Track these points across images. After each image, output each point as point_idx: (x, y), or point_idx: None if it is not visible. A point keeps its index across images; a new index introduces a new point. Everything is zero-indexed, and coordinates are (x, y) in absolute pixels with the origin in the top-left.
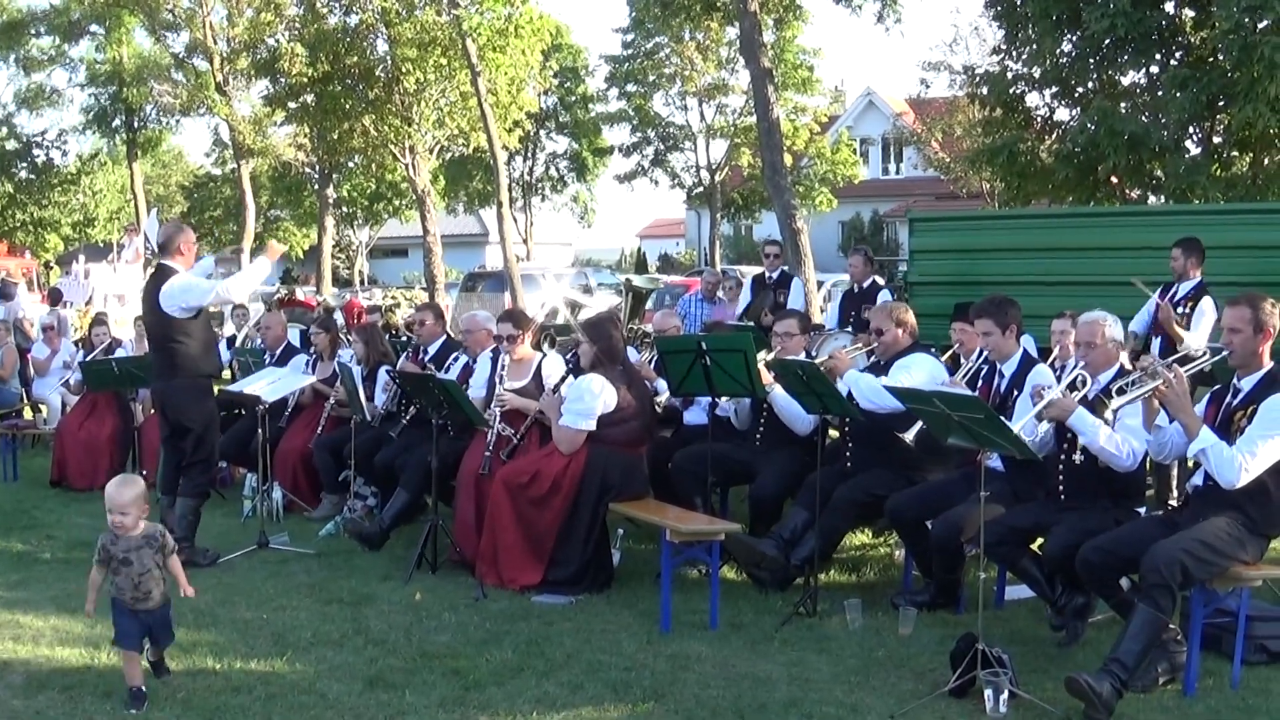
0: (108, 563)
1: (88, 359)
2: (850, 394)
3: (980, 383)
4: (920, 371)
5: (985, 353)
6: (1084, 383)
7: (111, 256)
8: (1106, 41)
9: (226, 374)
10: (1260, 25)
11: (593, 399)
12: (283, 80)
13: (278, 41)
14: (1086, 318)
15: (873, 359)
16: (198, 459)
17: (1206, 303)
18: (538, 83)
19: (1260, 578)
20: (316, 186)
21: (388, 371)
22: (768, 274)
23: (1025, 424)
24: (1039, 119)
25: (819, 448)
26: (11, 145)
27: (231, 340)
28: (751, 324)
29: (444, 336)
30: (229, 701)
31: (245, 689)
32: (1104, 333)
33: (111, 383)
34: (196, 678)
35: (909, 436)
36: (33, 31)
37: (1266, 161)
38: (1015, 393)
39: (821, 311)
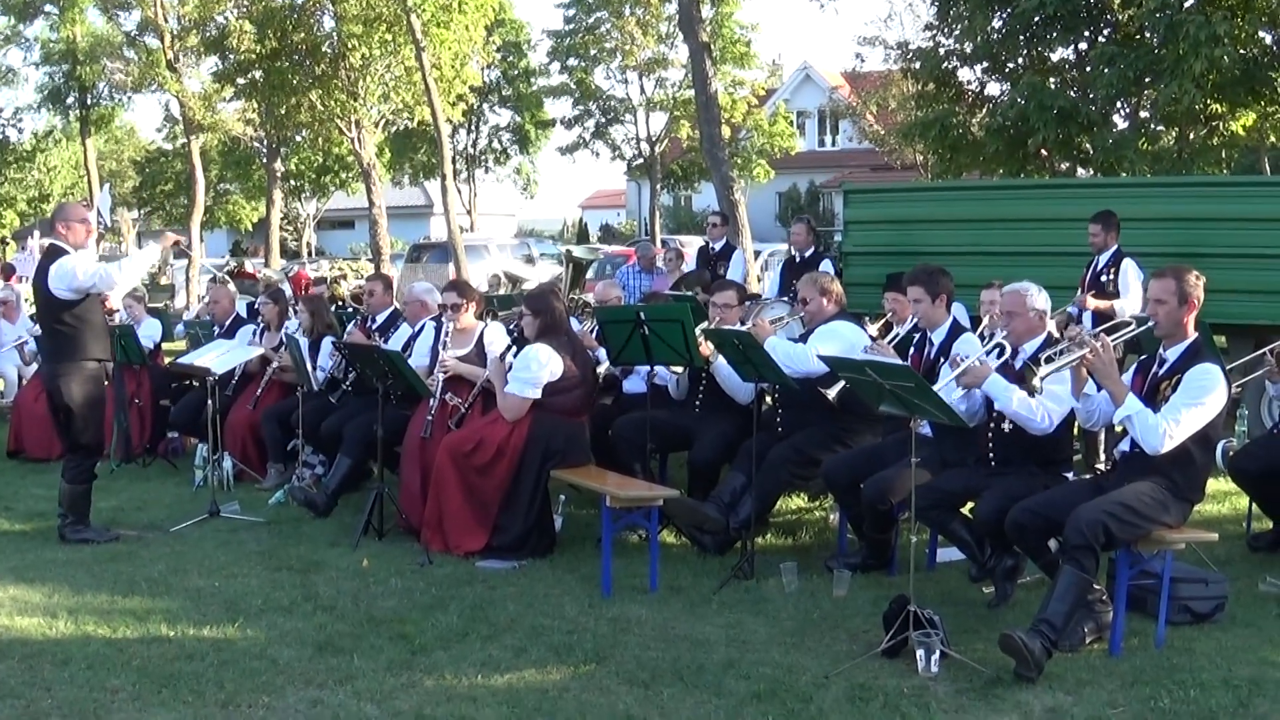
0: None
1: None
2: None
3: (912, 350)
4: (838, 339)
5: (917, 320)
6: (1002, 351)
7: None
8: (1036, 18)
9: (182, 345)
10: (1186, 4)
11: (539, 368)
12: (231, 57)
13: (226, 19)
14: (1011, 288)
15: (806, 328)
16: (81, 443)
17: (1128, 266)
18: (481, 57)
19: (1183, 541)
20: (265, 160)
21: (333, 342)
22: (711, 244)
23: (945, 389)
24: (970, 93)
25: (755, 414)
26: None
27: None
28: (690, 294)
29: (392, 306)
30: (183, 668)
31: (198, 656)
32: (1027, 302)
33: None
34: (151, 645)
35: (831, 394)
36: None
37: (1192, 136)
38: (943, 360)
39: (759, 281)
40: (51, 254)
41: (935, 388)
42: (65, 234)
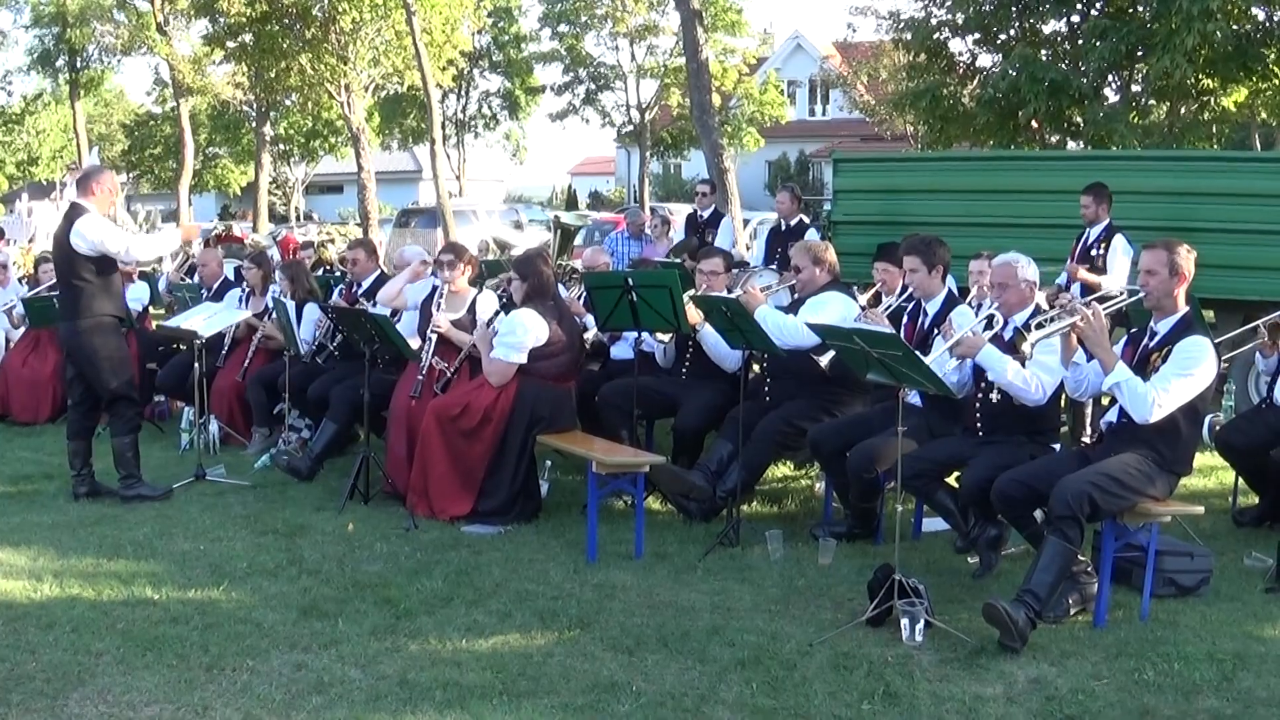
0: None
1: (31, 294)
2: None
3: (905, 319)
4: (831, 310)
5: (909, 290)
6: (995, 322)
7: (54, 195)
8: None
9: (164, 310)
10: None
11: (524, 333)
12: (221, 20)
13: None
14: (1001, 259)
15: (795, 296)
16: (118, 395)
17: (1119, 241)
18: (471, 22)
19: (1169, 514)
20: (254, 124)
21: (320, 306)
22: (699, 212)
23: (938, 359)
24: (961, 65)
25: (742, 382)
26: None
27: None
28: (679, 261)
29: (377, 271)
30: (168, 632)
31: (183, 619)
32: (1018, 274)
33: (54, 318)
34: (135, 608)
35: (824, 361)
36: None
37: (1183, 110)
38: (937, 330)
39: (748, 249)
40: (74, 211)
41: (928, 359)
42: (96, 195)
